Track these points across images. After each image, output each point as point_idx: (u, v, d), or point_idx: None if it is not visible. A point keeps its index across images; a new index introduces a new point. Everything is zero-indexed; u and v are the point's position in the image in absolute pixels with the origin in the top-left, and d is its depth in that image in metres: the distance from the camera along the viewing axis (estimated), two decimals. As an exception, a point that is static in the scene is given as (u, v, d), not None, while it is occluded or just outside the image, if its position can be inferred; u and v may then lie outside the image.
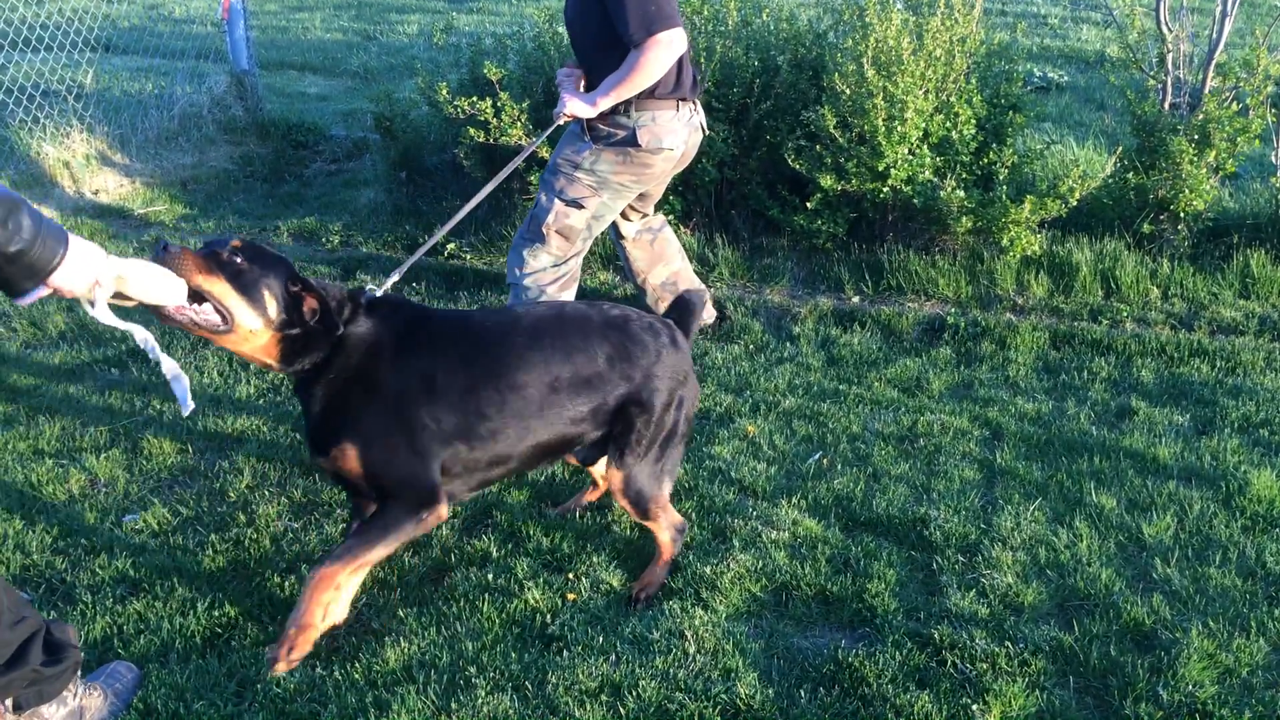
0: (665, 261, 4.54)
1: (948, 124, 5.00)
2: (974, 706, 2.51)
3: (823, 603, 2.92)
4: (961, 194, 4.83)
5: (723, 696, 2.53)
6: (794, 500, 3.39)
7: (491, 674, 2.60)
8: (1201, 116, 5.05)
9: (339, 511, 3.30)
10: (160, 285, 2.29)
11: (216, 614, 2.82)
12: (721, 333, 4.72)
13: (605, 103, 3.81)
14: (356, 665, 2.63)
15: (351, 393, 2.61)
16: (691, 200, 5.54)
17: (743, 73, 5.26)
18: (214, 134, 7.39)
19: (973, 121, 4.98)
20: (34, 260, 1.94)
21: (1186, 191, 5.00)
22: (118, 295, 2.22)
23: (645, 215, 4.45)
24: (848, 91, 4.92)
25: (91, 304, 2.13)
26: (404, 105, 6.44)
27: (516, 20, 10.72)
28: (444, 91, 5.36)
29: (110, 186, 6.60)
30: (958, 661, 2.66)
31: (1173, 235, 5.17)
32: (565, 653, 2.68)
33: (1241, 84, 5.10)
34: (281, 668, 2.57)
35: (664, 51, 3.68)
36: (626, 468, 2.82)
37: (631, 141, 3.90)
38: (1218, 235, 5.26)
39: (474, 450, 2.66)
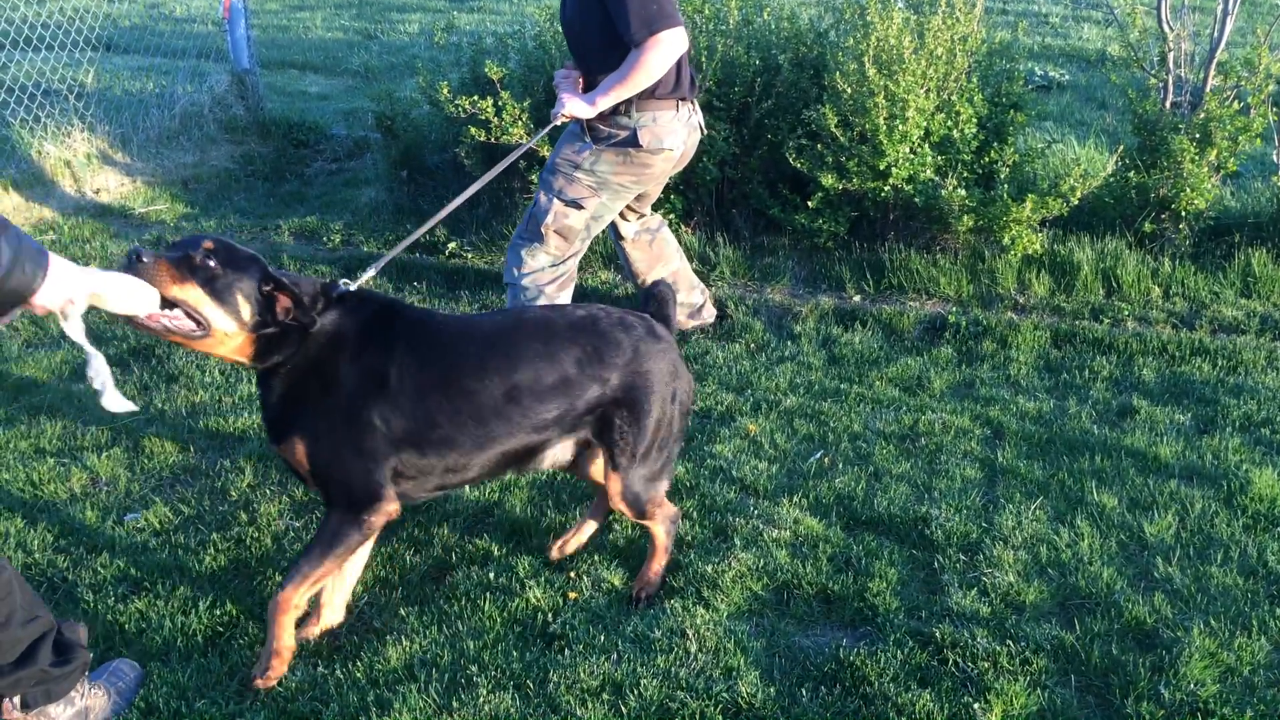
0: (664, 261, 4.54)
1: (949, 123, 5.00)
2: (975, 705, 2.51)
3: (824, 601, 2.92)
4: (963, 193, 4.83)
5: (724, 695, 2.53)
6: (795, 499, 3.39)
7: (493, 672, 2.60)
8: (1203, 115, 5.05)
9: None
10: (133, 296, 2.28)
11: (218, 613, 2.82)
12: (722, 331, 4.72)
13: (605, 102, 3.80)
14: (358, 664, 2.63)
15: (308, 385, 2.59)
16: (692, 199, 5.54)
17: (744, 72, 5.26)
18: (215, 133, 7.39)
19: (974, 120, 4.97)
20: (15, 285, 1.94)
21: (1188, 190, 4.99)
22: (92, 308, 2.21)
23: (643, 216, 4.45)
24: (849, 90, 4.92)
25: (65, 319, 2.12)
26: (405, 104, 6.44)
27: (517, 19, 10.72)
28: (445, 90, 5.36)
29: (111, 186, 6.60)
30: (959, 660, 2.66)
31: (1174, 234, 5.17)
32: (567, 651, 2.68)
33: (1243, 83, 5.09)
34: (261, 685, 2.58)
35: (665, 50, 3.67)
36: (622, 471, 2.77)
37: (632, 142, 3.90)
38: (1219, 234, 5.26)
39: (426, 457, 2.61)
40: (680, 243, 4.84)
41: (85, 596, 2.87)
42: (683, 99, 3.96)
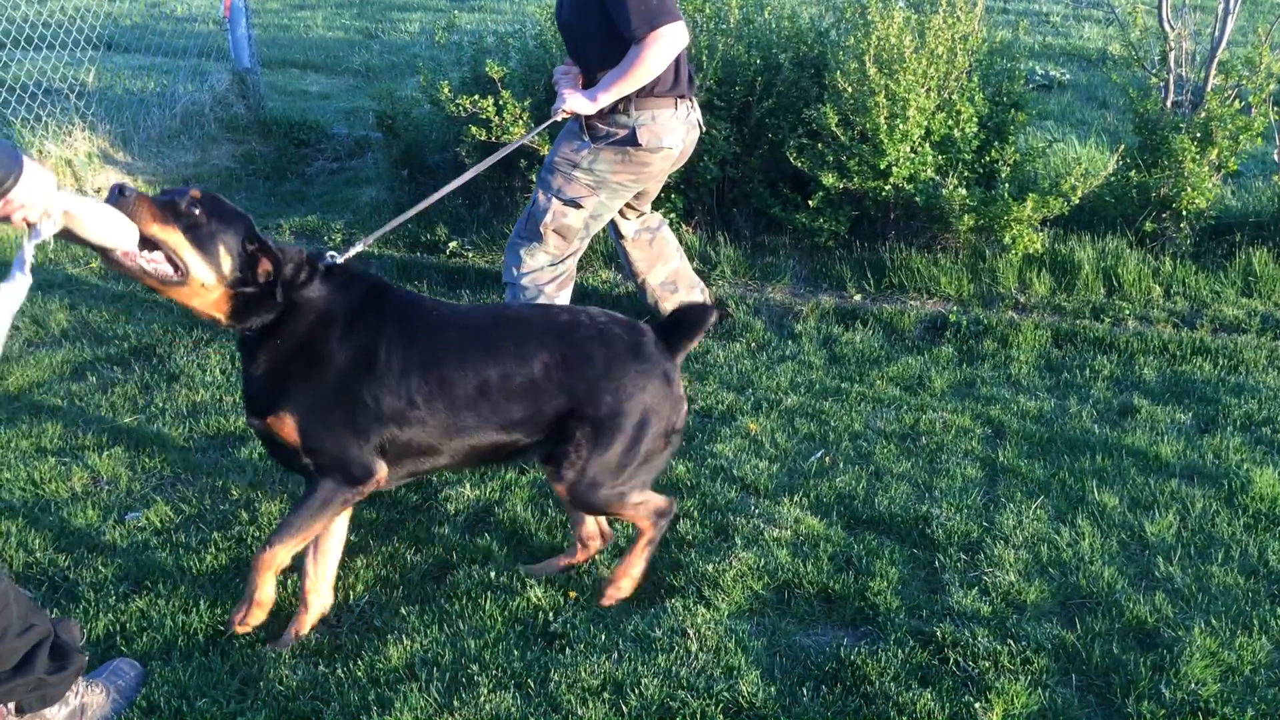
0: (664, 260, 4.54)
1: (950, 122, 5.00)
2: (976, 705, 2.51)
3: (825, 601, 2.92)
4: (963, 192, 4.82)
5: (725, 694, 2.53)
6: (796, 498, 3.39)
7: (494, 672, 2.60)
8: (1204, 114, 5.05)
9: (341, 509, 3.30)
10: (111, 228, 2.22)
11: (219, 612, 2.82)
12: (723, 331, 4.72)
13: (606, 99, 3.79)
14: (359, 663, 2.63)
15: (297, 360, 2.58)
16: (693, 198, 5.53)
17: (745, 71, 5.26)
18: (216, 132, 7.39)
19: (975, 119, 4.97)
20: None
21: (1189, 190, 4.99)
22: (66, 233, 2.14)
23: (642, 214, 4.45)
24: (850, 90, 4.92)
25: (31, 235, 2.04)
26: (406, 103, 6.44)
27: (518, 18, 10.71)
28: (446, 90, 5.36)
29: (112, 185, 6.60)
30: (960, 659, 2.66)
31: (1175, 233, 5.17)
32: (568, 650, 2.68)
33: (1244, 82, 5.09)
34: (239, 630, 2.67)
35: (666, 46, 3.67)
36: (564, 482, 2.67)
37: (631, 140, 3.90)
38: (1220, 233, 5.25)
39: (404, 433, 2.63)
40: (681, 242, 4.84)
41: (86, 595, 2.87)
42: (681, 96, 3.95)
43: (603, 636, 2.73)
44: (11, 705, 2.28)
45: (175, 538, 3.16)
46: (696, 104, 4.12)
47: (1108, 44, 9.27)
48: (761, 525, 3.21)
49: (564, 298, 4.16)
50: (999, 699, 2.52)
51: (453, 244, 5.53)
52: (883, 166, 4.89)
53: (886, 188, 4.96)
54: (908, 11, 5.12)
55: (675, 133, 3.95)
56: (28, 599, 2.30)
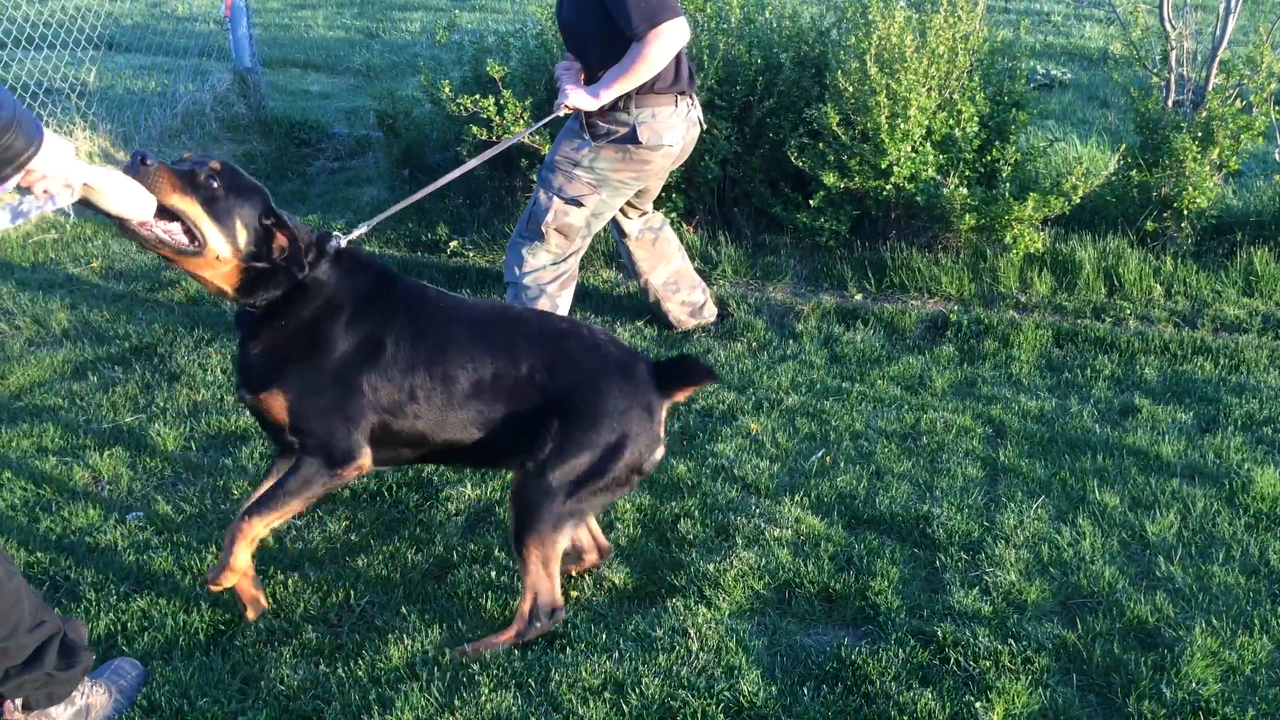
0: (667, 260, 4.54)
1: (951, 121, 5.00)
2: (977, 704, 2.51)
3: (826, 600, 2.92)
4: (964, 191, 4.82)
5: (726, 694, 2.53)
6: (797, 498, 3.39)
7: (494, 671, 2.60)
8: (1205, 114, 5.04)
9: (341, 509, 3.31)
10: (129, 197, 2.24)
11: (220, 611, 2.83)
12: (724, 330, 4.72)
13: (608, 95, 3.79)
14: (359, 662, 2.64)
15: (298, 341, 2.58)
16: (694, 198, 5.53)
17: (745, 70, 5.26)
18: (217, 132, 7.39)
19: (976, 119, 4.97)
20: (11, 143, 1.89)
21: (1190, 189, 4.99)
22: (83, 202, 2.17)
23: (644, 213, 4.45)
24: (851, 89, 4.92)
25: (44, 203, 2.09)
26: (407, 103, 6.44)
27: (519, 18, 10.71)
28: (447, 89, 5.36)
29: (113, 184, 6.60)
30: (961, 659, 2.66)
31: (1176, 233, 5.17)
32: (568, 650, 2.68)
33: (1245, 81, 5.09)
34: (212, 588, 2.68)
35: (667, 42, 3.67)
36: (522, 473, 2.63)
37: (632, 138, 3.89)
38: (1221, 233, 5.25)
39: (397, 423, 2.64)
40: (682, 241, 4.84)
41: (87, 595, 2.87)
42: (682, 93, 3.95)
43: (603, 636, 2.73)
44: (19, 701, 2.29)
45: (176, 537, 3.16)
46: (697, 101, 4.12)
47: (1109, 43, 9.26)
48: (762, 525, 3.21)
49: (566, 297, 4.16)
50: (1000, 698, 2.52)
51: (454, 243, 5.53)
52: (884, 166, 4.89)
53: (887, 187, 4.96)
54: (909, 11, 5.12)
55: (676, 130, 3.95)
56: (37, 596, 2.31)
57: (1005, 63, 5.43)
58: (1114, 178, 5.21)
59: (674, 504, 3.33)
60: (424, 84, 6.01)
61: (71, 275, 5.24)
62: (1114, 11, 7.38)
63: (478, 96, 5.18)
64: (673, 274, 4.57)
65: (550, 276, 4.09)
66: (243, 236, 2.46)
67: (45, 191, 2.04)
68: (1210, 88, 5.19)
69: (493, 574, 2.98)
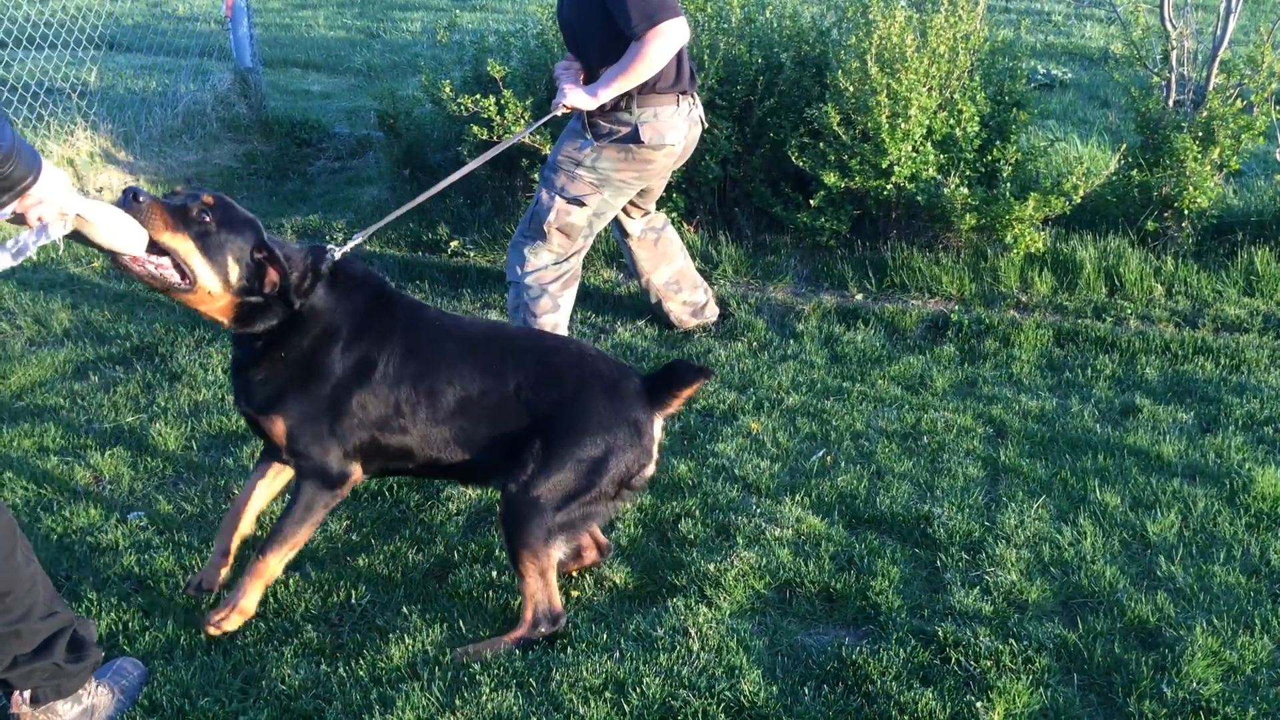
0: (669, 260, 4.54)
1: (951, 121, 5.00)
2: (978, 704, 2.51)
3: (826, 600, 2.92)
4: (965, 191, 4.82)
5: (727, 694, 2.53)
6: (798, 497, 3.39)
7: (495, 671, 2.60)
8: (1206, 114, 5.04)
9: (342, 509, 3.31)
10: (122, 232, 2.24)
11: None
12: (725, 330, 4.72)
13: (606, 94, 3.79)
14: (361, 662, 2.64)
15: (298, 370, 2.62)
16: (695, 198, 5.53)
17: (746, 70, 5.26)
18: (218, 131, 7.39)
19: (976, 118, 4.97)
20: (11, 172, 1.91)
21: (1190, 189, 4.99)
22: (76, 235, 2.17)
23: (647, 213, 4.45)
24: (851, 89, 4.92)
25: (39, 236, 2.06)
26: (407, 103, 6.44)
27: (520, 18, 10.71)
28: (447, 89, 5.36)
29: (114, 184, 6.61)
30: (962, 659, 2.66)
31: (1177, 233, 5.16)
32: (569, 650, 2.69)
33: (1246, 81, 5.09)
34: (211, 630, 2.67)
35: (667, 41, 3.66)
36: (506, 493, 2.65)
37: (634, 138, 3.89)
38: (1222, 233, 5.25)
39: (386, 438, 2.69)
40: (683, 241, 4.84)
41: (89, 594, 2.88)
42: (683, 93, 3.95)
43: (604, 636, 2.73)
44: (27, 694, 2.30)
45: (177, 537, 3.16)
46: (699, 101, 4.12)
47: (1110, 43, 9.26)
48: (763, 525, 3.21)
49: (568, 297, 4.16)
50: (1000, 698, 2.52)
51: (454, 243, 5.53)
52: (884, 166, 4.89)
53: (888, 187, 4.96)
54: (909, 10, 5.12)
55: (677, 129, 3.95)
56: (52, 587, 2.33)
57: (1006, 62, 5.43)
58: (1115, 177, 5.21)
59: (675, 503, 3.34)
60: (425, 84, 6.01)
61: (72, 275, 5.24)
62: (1115, 11, 7.38)
63: (478, 96, 5.18)
64: (674, 274, 4.57)
65: (552, 276, 4.09)
66: (234, 272, 2.48)
67: (40, 219, 2.04)
68: (1211, 87, 5.19)
69: (494, 573, 2.98)
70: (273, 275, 2.53)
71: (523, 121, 5.15)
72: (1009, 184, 4.94)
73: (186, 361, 4.30)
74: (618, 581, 2.97)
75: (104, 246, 2.26)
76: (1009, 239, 4.94)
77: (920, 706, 2.50)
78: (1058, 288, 5.02)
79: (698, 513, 3.29)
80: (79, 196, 2.12)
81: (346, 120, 8.04)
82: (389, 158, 6.50)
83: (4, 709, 2.38)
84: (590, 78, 3.93)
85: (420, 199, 3.49)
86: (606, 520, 2.91)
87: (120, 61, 8.58)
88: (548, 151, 5.05)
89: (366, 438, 2.68)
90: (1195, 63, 5.39)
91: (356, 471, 2.72)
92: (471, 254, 5.50)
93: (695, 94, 4.08)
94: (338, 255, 2.72)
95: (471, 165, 3.74)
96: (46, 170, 1.99)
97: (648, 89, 3.83)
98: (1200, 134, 5.01)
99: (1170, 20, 5.30)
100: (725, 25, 5.43)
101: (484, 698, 2.52)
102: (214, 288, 2.46)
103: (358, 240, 2.96)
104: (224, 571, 2.83)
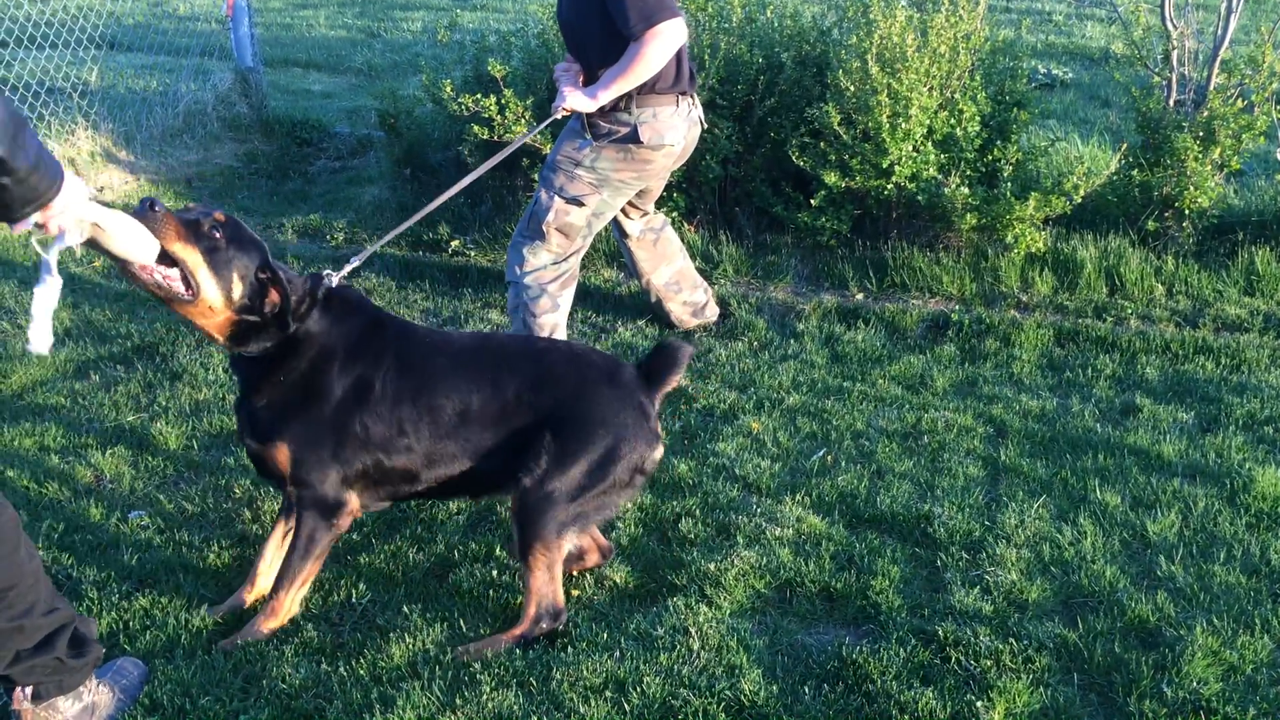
0: (668, 261, 4.54)
1: (952, 121, 5.00)
2: (978, 703, 2.51)
3: (827, 599, 2.92)
4: (966, 191, 4.82)
5: (727, 693, 2.54)
6: (798, 497, 3.39)
7: (496, 670, 2.61)
8: (1206, 113, 5.04)
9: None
10: (135, 242, 2.29)
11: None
12: (725, 330, 4.72)
13: (605, 96, 3.79)
14: (361, 661, 2.64)
15: (295, 394, 2.66)
16: (695, 197, 5.54)
17: (747, 70, 5.26)
18: (219, 131, 7.40)
19: (977, 118, 4.97)
20: (37, 184, 1.95)
21: (1191, 189, 4.99)
22: (90, 242, 2.21)
23: (646, 213, 4.45)
24: (852, 88, 4.92)
25: (56, 242, 2.11)
26: (408, 102, 6.45)
27: (520, 17, 10.71)
28: (448, 89, 5.36)
29: (115, 183, 6.61)
30: (962, 658, 2.66)
31: (1177, 232, 5.16)
32: (570, 649, 2.69)
33: (1247, 81, 5.09)
34: (225, 645, 2.69)
35: (665, 43, 3.67)
36: (519, 489, 2.65)
37: (633, 138, 3.90)
38: (1223, 232, 5.25)
39: (391, 459, 2.70)
40: (683, 241, 4.84)
41: (90, 594, 2.88)
42: (683, 93, 3.95)
43: (605, 635, 2.73)
44: (29, 690, 2.30)
45: (178, 536, 3.17)
46: (698, 101, 4.12)
47: (1110, 43, 9.26)
48: (763, 524, 3.21)
49: (567, 296, 4.16)
50: (1001, 698, 2.52)
51: (455, 243, 5.54)
52: (885, 165, 4.89)
53: (889, 187, 4.96)
54: (910, 10, 5.12)
55: (677, 130, 3.95)
56: (52, 585, 2.34)
57: (1007, 62, 5.43)
58: (1115, 177, 5.21)
59: (675, 503, 3.34)
60: (425, 83, 6.02)
61: (74, 275, 5.24)
62: (1115, 11, 7.38)
63: (479, 96, 5.18)
64: (674, 274, 4.58)
65: (551, 276, 4.09)
66: (238, 289, 2.52)
67: (59, 228, 2.08)
68: (1212, 87, 5.19)
69: (494, 573, 2.99)
70: (274, 296, 2.58)
71: (523, 121, 5.15)
72: (1010, 184, 4.94)
73: (187, 361, 4.30)
74: (618, 581, 2.97)
75: (116, 254, 2.30)
76: (1010, 239, 4.94)
77: (920, 706, 2.50)
78: (1058, 287, 5.02)
79: (698, 512, 3.29)
80: (96, 205, 2.16)
81: (347, 120, 8.04)
82: (390, 157, 6.50)
83: (5, 706, 2.38)
84: (589, 78, 3.94)
85: (425, 211, 3.57)
86: (618, 511, 2.92)
87: (121, 61, 8.59)
88: (548, 151, 5.05)
89: (370, 462, 2.69)
90: (1196, 62, 5.39)
91: (353, 501, 2.73)
92: (472, 254, 5.50)
93: (695, 94, 4.08)
94: (334, 281, 2.77)
95: (476, 173, 3.77)
96: (68, 180, 2.04)
97: (647, 89, 3.83)
98: (1201, 134, 5.01)
99: (1171, 20, 5.30)
100: (726, 25, 5.43)
101: (484, 697, 2.52)
102: (216, 302, 2.50)
103: (355, 264, 3.01)
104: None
